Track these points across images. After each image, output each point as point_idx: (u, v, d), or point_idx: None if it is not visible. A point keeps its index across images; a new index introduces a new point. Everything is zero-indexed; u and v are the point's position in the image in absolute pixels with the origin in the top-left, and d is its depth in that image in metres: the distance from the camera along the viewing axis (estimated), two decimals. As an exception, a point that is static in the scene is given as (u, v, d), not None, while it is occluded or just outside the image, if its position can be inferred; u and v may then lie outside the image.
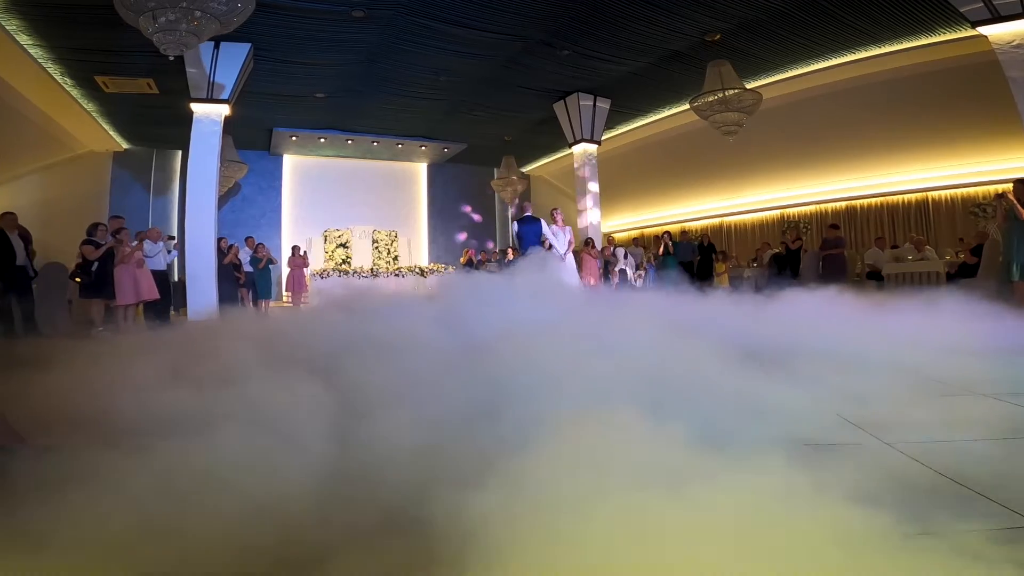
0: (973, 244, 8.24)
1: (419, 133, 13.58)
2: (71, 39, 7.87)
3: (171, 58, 5.57)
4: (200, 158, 7.85)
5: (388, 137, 13.63)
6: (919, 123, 9.79)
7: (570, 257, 7.80)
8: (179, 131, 8.71)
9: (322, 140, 13.40)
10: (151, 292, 6.57)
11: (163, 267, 7.71)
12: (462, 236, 15.88)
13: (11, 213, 6.31)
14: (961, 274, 8.11)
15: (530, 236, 7.65)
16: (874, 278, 9.27)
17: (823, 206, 12.02)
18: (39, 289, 6.54)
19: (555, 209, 8.22)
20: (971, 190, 9.99)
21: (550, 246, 7.65)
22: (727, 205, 13.78)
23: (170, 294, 7.81)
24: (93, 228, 6.52)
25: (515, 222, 8.00)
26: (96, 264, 6.21)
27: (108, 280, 6.23)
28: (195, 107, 8.00)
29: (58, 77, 9.26)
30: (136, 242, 6.69)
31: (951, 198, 10.29)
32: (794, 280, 9.66)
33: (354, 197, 14.89)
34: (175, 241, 8.97)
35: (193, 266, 7.37)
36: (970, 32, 7.63)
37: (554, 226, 7.79)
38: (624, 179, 14.47)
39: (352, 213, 14.57)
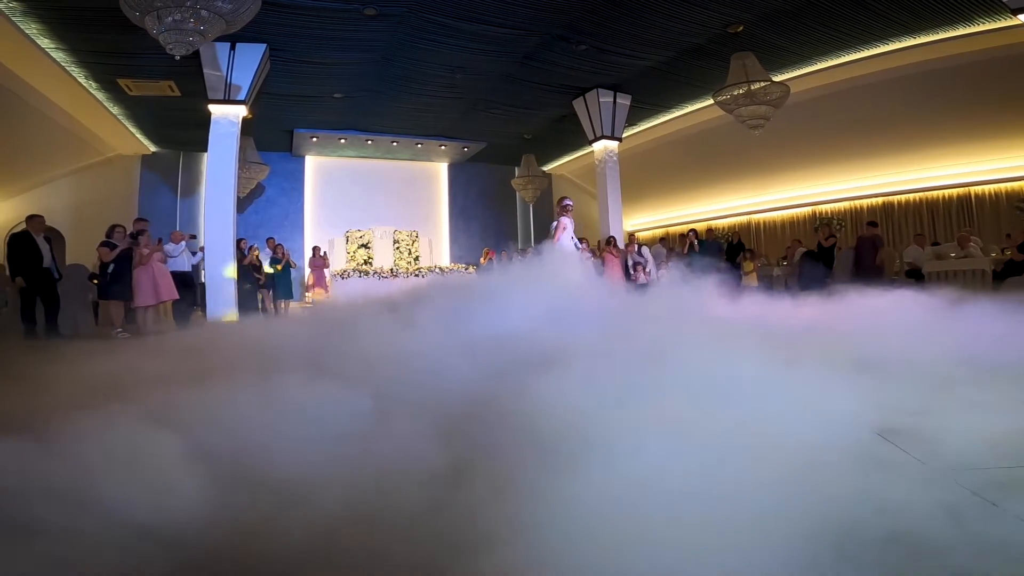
0: (1020, 240, 7.71)
1: (438, 132, 13.51)
2: (90, 42, 8.01)
3: (177, 58, 5.57)
4: (218, 159, 7.90)
5: (407, 137, 13.59)
6: (957, 116, 9.26)
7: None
8: (203, 134, 8.82)
9: (342, 141, 13.44)
10: (170, 293, 6.62)
11: (187, 268, 7.79)
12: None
13: (39, 216, 6.45)
14: (1008, 272, 7.60)
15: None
16: (913, 276, 8.78)
17: (857, 202, 11.52)
18: (64, 290, 6.65)
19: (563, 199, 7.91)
20: (1016, 184, 9.41)
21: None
22: (755, 202, 13.34)
23: (195, 295, 7.88)
24: (111, 230, 6.60)
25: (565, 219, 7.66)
26: (112, 266, 6.27)
27: (125, 282, 6.28)
28: (213, 108, 8.05)
29: (83, 81, 9.46)
30: (155, 243, 6.74)
31: (995, 192, 9.72)
32: (827, 280, 9.23)
33: (375, 197, 14.91)
34: (200, 243, 9.04)
35: (212, 267, 7.41)
36: (1010, 21, 7.15)
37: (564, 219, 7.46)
38: (647, 176, 14.13)
39: (373, 213, 14.59)
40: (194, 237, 8.45)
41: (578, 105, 10.98)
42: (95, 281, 6.82)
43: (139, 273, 6.53)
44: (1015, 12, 5.96)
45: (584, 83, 10.39)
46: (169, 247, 6.88)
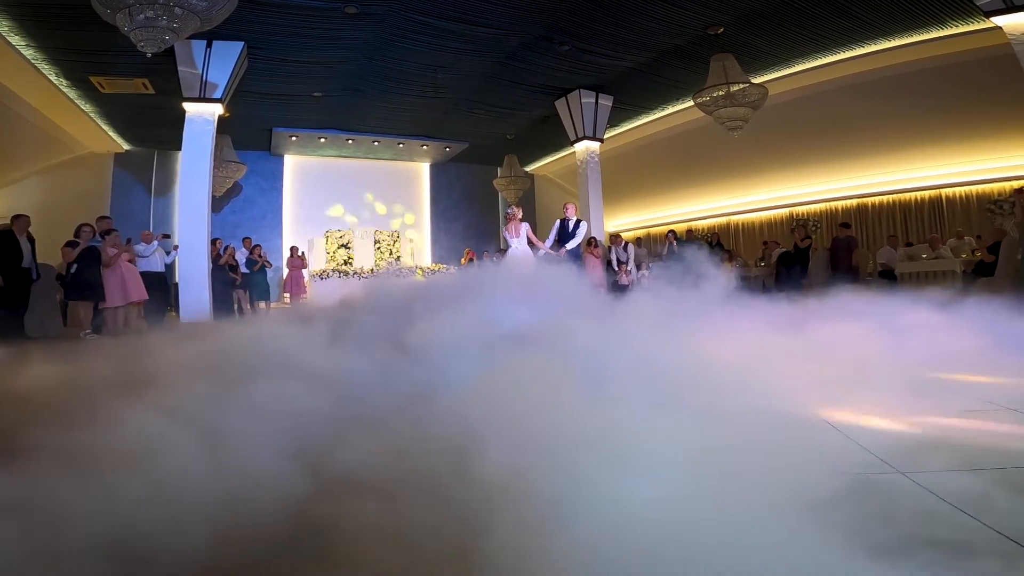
0: (990, 242, 7.92)
1: (420, 132, 13.43)
2: (61, 39, 7.82)
3: (149, 55, 5.45)
4: (193, 158, 7.75)
5: (389, 136, 13.49)
6: (931, 118, 9.48)
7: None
8: (178, 132, 8.65)
9: (322, 140, 13.29)
10: (140, 293, 6.46)
11: (160, 268, 7.61)
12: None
13: (24, 216, 6.30)
14: (977, 273, 7.80)
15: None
16: (886, 277, 8.96)
17: (833, 204, 11.71)
18: (34, 292, 6.46)
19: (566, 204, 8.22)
20: (986, 187, 9.66)
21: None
22: (734, 203, 13.49)
23: (168, 295, 7.71)
24: (78, 229, 6.42)
25: (583, 222, 7.95)
26: (75, 266, 6.10)
27: (90, 282, 6.11)
28: (187, 106, 7.90)
29: (53, 78, 9.22)
30: (121, 245, 6.57)
31: (966, 195, 9.96)
32: (803, 280, 9.38)
33: (356, 197, 14.76)
34: (175, 242, 8.85)
35: (186, 267, 7.26)
36: (982, 24, 7.34)
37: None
38: (629, 177, 14.22)
39: (353, 213, 14.46)
40: (167, 236, 8.28)
41: (560, 106, 11.00)
42: (61, 282, 6.62)
43: (107, 273, 6.37)
44: (988, 15, 6.09)
45: (566, 84, 10.42)
46: (140, 247, 6.71)
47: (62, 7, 6.88)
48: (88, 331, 6.04)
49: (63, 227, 8.90)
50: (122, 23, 5.14)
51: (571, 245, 7.74)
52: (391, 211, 15.22)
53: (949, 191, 10.12)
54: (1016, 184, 8.16)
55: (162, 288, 7.17)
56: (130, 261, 6.75)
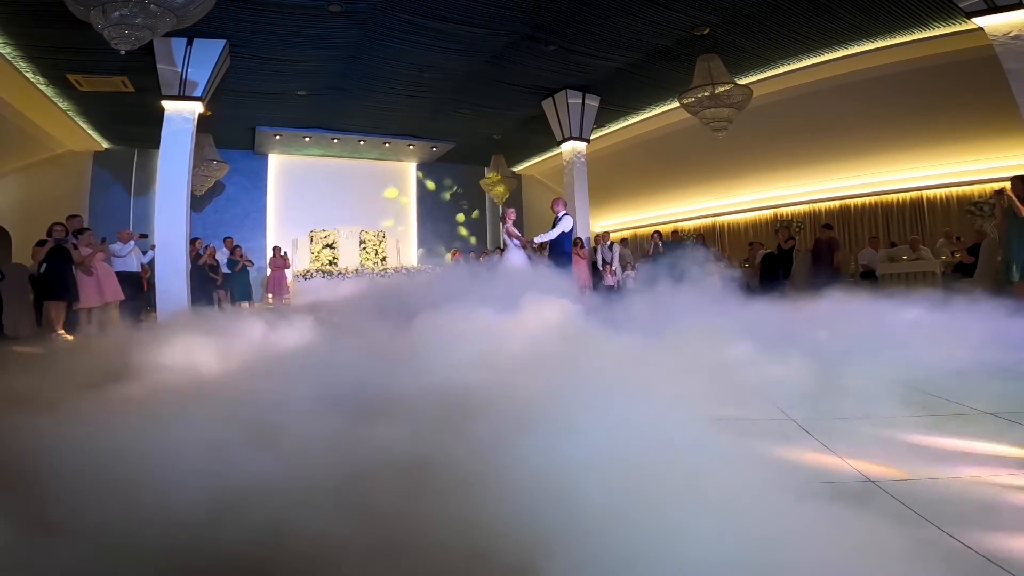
0: (970, 243, 8.03)
1: (407, 132, 13.34)
2: (38, 37, 7.66)
3: (123, 52, 5.33)
4: (171, 156, 7.61)
5: (375, 136, 13.38)
6: (912, 120, 9.58)
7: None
8: (158, 130, 8.46)
9: (307, 139, 13.16)
10: (115, 293, 6.34)
11: (136, 268, 7.48)
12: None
13: None
14: (957, 274, 7.90)
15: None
16: (868, 278, 9.06)
17: (816, 205, 11.81)
18: (8, 291, 6.31)
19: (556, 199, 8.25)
20: (966, 188, 9.78)
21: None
22: (720, 204, 13.57)
23: (144, 295, 7.58)
24: (51, 228, 6.28)
25: (568, 216, 7.90)
26: (44, 265, 5.96)
27: (60, 281, 5.97)
28: (166, 104, 7.77)
29: (30, 76, 9.03)
30: (95, 245, 6.44)
31: (946, 197, 10.08)
32: (786, 281, 9.45)
33: (341, 197, 14.64)
34: (152, 241, 8.71)
35: (163, 267, 7.12)
36: (963, 26, 7.43)
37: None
38: (615, 178, 14.24)
39: (339, 213, 14.33)
40: (145, 236, 8.13)
41: (547, 106, 10.98)
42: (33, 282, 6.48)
43: (81, 273, 6.23)
44: (969, 15, 6.13)
45: (553, 84, 10.40)
46: (116, 247, 6.57)
47: (38, 4, 6.73)
48: (60, 331, 5.90)
49: (42, 226, 8.73)
50: (96, 20, 5.02)
51: (543, 238, 7.71)
52: (377, 211, 15.09)
53: (930, 193, 10.24)
54: (996, 186, 8.26)
55: (138, 288, 7.03)
56: (105, 261, 6.61)
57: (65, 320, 6.06)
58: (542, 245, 7.79)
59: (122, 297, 6.42)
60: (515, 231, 7.47)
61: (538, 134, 12.55)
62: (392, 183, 15.52)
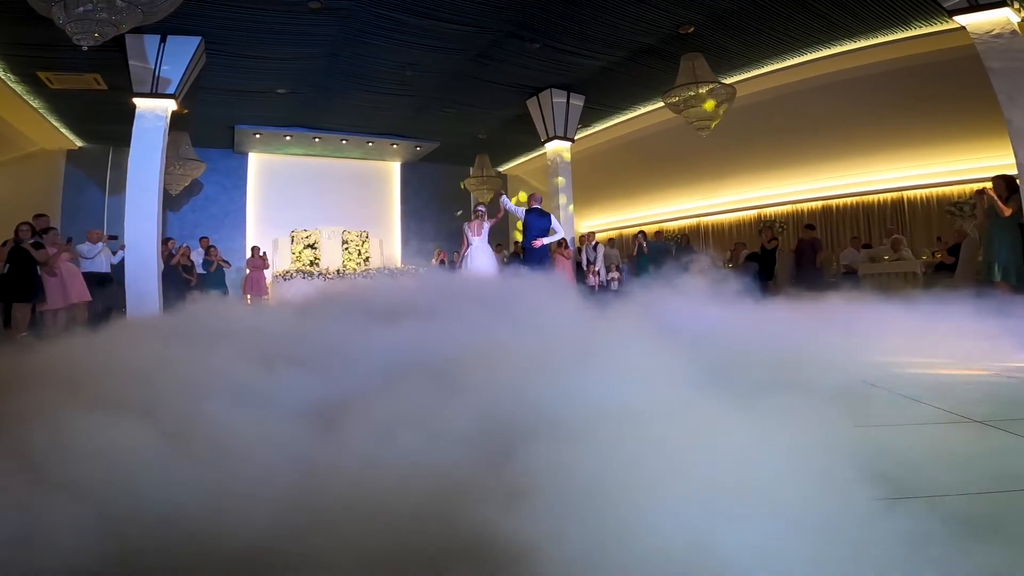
0: (950, 243, 8.09)
1: (390, 131, 13.17)
2: (7, 33, 7.45)
3: (85, 48, 5.14)
4: (143, 154, 7.40)
5: (358, 135, 13.19)
6: (894, 120, 9.65)
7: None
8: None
9: (288, 138, 12.94)
10: (81, 295, 6.14)
11: (105, 269, 7.27)
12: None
13: None
14: (938, 273, 7.97)
15: (536, 228, 7.64)
16: (850, 278, 9.10)
17: (799, 206, 11.87)
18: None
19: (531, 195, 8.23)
20: (946, 189, 9.88)
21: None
22: (705, 205, 13.60)
23: (113, 296, 7.36)
24: (17, 228, 6.06)
25: (523, 210, 7.90)
26: (7, 266, 5.75)
27: (23, 282, 5.76)
28: (138, 102, 7.56)
29: (1, 74, 8.76)
30: (61, 245, 6.23)
31: (927, 197, 10.17)
32: (770, 281, 9.47)
33: (323, 197, 14.43)
34: (121, 242, 8.49)
35: (133, 268, 6.91)
36: (944, 26, 7.48)
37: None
38: (600, 178, 14.21)
39: (321, 213, 14.12)
40: (114, 238, 7.91)
41: (531, 105, 10.89)
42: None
43: (45, 274, 6.03)
44: (951, 14, 6.15)
45: (538, 83, 10.31)
46: (84, 247, 6.37)
47: (3, 1, 6.51)
48: (24, 333, 5.69)
49: (12, 227, 8.48)
50: (57, 16, 4.84)
51: (548, 240, 7.65)
52: (360, 211, 14.89)
53: (911, 193, 10.33)
54: (976, 186, 8.34)
55: (107, 289, 6.83)
56: (72, 261, 6.40)
57: (31, 322, 5.85)
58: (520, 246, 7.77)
59: (88, 298, 6.23)
60: (477, 226, 7.37)
61: (523, 134, 12.46)
62: (375, 182, 15.34)
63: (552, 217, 7.94)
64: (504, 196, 7.72)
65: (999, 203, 5.70)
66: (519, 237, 8.03)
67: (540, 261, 7.56)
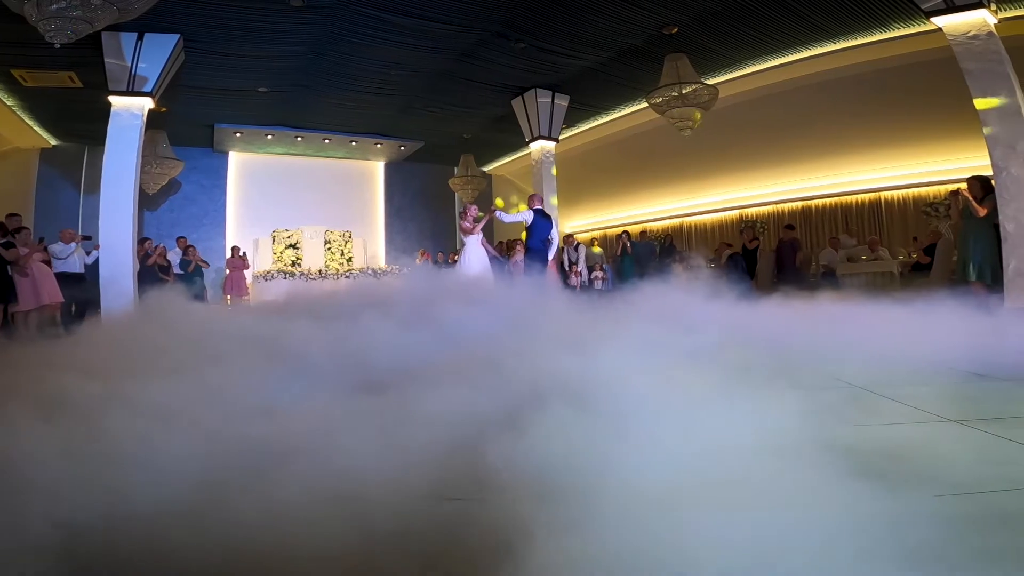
0: (926, 244, 8.24)
1: (374, 130, 13.07)
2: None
3: (57, 45, 5.03)
4: (118, 153, 7.25)
5: (341, 134, 13.08)
6: (871, 121, 9.80)
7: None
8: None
9: (269, 137, 12.78)
10: (53, 296, 6.00)
11: (79, 269, 7.12)
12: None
13: None
14: (914, 273, 8.10)
15: (544, 229, 7.60)
16: (829, 278, 9.22)
17: (780, 206, 11.99)
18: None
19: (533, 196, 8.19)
20: (922, 190, 10.05)
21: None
22: (688, 205, 13.69)
23: (86, 297, 7.21)
24: (-14, 228, 5.91)
25: (529, 213, 7.77)
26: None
27: (-1, 283, 5.61)
28: (113, 99, 7.41)
29: (-28, 71, 8.55)
30: (33, 245, 6.08)
31: (903, 198, 10.34)
32: (752, 281, 9.56)
33: (305, 196, 14.28)
34: (95, 242, 8.31)
35: (108, 268, 6.77)
36: (922, 27, 7.60)
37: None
38: (585, 178, 14.25)
39: (303, 213, 13.97)
40: (89, 238, 7.76)
41: (516, 105, 10.88)
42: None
43: (16, 274, 5.88)
44: (928, 15, 6.23)
45: (523, 82, 10.30)
46: (57, 247, 6.22)
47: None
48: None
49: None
50: (30, 13, 4.72)
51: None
52: (343, 210, 14.76)
53: (888, 194, 10.49)
54: (951, 187, 8.51)
55: (80, 290, 6.68)
56: (45, 262, 6.25)
57: (1, 323, 5.70)
58: (509, 245, 7.70)
59: (61, 299, 6.09)
60: (469, 227, 7.29)
61: (507, 133, 12.46)
62: (359, 182, 15.22)
63: (552, 221, 7.97)
64: (499, 212, 7.63)
65: (974, 203, 5.81)
66: (523, 237, 7.95)
67: (544, 261, 7.59)
